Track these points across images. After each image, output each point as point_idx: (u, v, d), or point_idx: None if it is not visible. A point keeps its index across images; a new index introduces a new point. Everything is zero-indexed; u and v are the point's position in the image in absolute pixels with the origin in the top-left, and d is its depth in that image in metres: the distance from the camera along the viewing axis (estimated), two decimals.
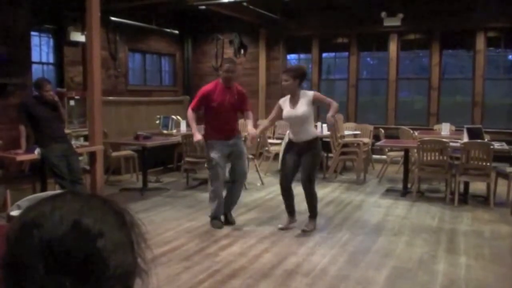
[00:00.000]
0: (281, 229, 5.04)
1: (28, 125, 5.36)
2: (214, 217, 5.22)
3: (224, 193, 5.29)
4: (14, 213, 2.24)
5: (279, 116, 5.04)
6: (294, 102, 4.85)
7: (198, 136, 5.13)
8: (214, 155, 5.08)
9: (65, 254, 0.69)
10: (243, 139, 5.44)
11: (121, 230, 0.76)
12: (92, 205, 0.75)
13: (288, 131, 5.07)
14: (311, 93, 4.91)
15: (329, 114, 4.73)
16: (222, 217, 5.30)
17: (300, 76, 4.85)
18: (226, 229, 5.13)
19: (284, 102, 4.95)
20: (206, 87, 5.22)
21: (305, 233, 4.93)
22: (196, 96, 5.26)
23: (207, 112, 5.20)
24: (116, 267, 0.71)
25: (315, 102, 4.89)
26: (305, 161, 4.84)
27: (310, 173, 4.88)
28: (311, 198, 5.01)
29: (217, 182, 5.15)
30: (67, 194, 0.78)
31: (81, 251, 0.69)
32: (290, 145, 4.97)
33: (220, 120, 5.11)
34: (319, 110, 10.44)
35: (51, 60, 8.34)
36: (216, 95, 5.08)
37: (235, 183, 5.29)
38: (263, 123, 5.16)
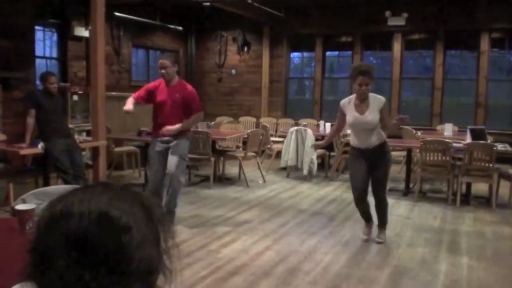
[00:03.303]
0: (366, 240, 4.64)
1: (34, 115, 5.34)
2: None
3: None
4: (19, 206, 2.25)
5: (344, 123, 4.57)
6: (362, 106, 4.34)
7: (129, 105, 4.95)
8: (150, 151, 5.16)
9: (89, 247, 0.69)
10: (187, 139, 5.16)
11: (148, 225, 0.75)
12: (121, 198, 0.75)
13: (350, 137, 4.62)
14: (382, 100, 4.39)
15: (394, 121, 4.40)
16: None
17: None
18: (229, 226, 5.13)
19: (348, 105, 4.42)
20: (151, 83, 5.25)
21: (379, 244, 4.58)
22: (141, 88, 5.25)
23: (153, 109, 5.22)
24: (139, 262, 0.71)
25: (381, 112, 4.34)
26: (379, 171, 4.41)
27: (384, 183, 4.52)
28: (383, 206, 4.61)
29: (150, 177, 5.18)
30: (98, 186, 0.79)
31: (105, 244, 0.70)
32: (357, 152, 4.46)
33: (159, 118, 5.06)
34: (321, 108, 10.45)
35: (55, 54, 8.34)
36: (158, 93, 5.04)
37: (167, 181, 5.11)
38: (328, 133, 4.76)
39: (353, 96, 4.45)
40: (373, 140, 4.35)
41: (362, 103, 4.36)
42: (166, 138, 5.01)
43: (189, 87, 5.15)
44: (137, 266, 0.71)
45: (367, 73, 4.28)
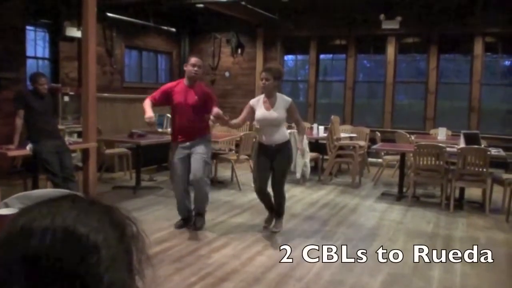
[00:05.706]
0: (265, 228, 5.08)
1: (23, 116, 5.25)
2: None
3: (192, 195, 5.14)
4: (1, 211, 2.18)
5: (250, 117, 4.92)
6: (270, 103, 4.75)
7: (149, 113, 4.72)
8: (172, 157, 4.99)
9: (51, 269, 0.61)
10: (207, 141, 5.07)
11: (119, 244, 0.67)
12: (90, 213, 0.67)
13: (263, 134, 4.85)
14: (289, 100, 4.83)
15: (299, 145, 5.03)
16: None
17: (279, 77, 4.78)
18: (220, 231, 5.06)
19: (257, 103, 4.82)
20: (168, 84, 5.16)
21: (275, 233, 4.97)
22: (158, 89, 5.08)
23: (171, 112, 5.07)
24: (108, 286, 0.63)
25: (288, 111, 4.80)
26: (278, 166, 4.79)
27: (283, 178, 4.91)
28: (281, 200, 5.02)
29: (173, 184, 5.13)
30: (66, 199, 0.70)
31: (70, 266, 0.61)
32: (263, 148, 4.85)
33: (179, 121, 4.91)
34: (315, 111, 10.42)
35: (47, 55, 8.26)
36: (176, 94, 4.86)
37: (192, 185, 5.00)
38: (235, 120, 4.97)
39: (262, 95, 4.85)
40: (278, 137, 4.77)
41: (269, 100, 4.76)
42: (187, 143, 4.87)
43: (206, 88, 5.21)
44: None
45: (269, 70, 4.76)
